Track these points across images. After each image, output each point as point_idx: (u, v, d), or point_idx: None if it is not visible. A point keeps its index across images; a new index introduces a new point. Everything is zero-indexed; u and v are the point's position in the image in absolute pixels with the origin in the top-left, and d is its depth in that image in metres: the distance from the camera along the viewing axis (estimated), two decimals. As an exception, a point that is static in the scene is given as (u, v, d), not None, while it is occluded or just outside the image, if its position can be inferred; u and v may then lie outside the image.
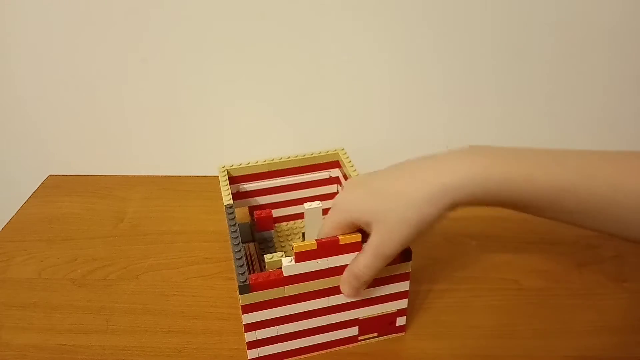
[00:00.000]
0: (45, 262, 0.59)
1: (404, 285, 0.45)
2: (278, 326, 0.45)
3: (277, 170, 0.57)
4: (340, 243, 0.41)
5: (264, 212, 0.56)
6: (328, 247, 0.41)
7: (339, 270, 0.42)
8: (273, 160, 0.56)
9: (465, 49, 0.64)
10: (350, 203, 0.41)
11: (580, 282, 0.54)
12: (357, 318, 0.46)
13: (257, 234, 0.56)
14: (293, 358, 0.47)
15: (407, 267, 0.44)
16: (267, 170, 0.57)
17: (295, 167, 0.57)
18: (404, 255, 0.43)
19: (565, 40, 0.63)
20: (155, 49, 0.66)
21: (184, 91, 0.69)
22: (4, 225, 0.66)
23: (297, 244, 0.40)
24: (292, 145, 0.59)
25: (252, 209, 0.58)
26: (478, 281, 0.55)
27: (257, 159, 0.56)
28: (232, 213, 0.49)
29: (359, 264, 0.41)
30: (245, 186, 0.57)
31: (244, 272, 0.42)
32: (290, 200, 0.59)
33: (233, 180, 0.56)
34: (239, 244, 0.45)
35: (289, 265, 0.41)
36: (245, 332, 0.44)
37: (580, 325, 0.49)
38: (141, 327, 0.51)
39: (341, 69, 0.66)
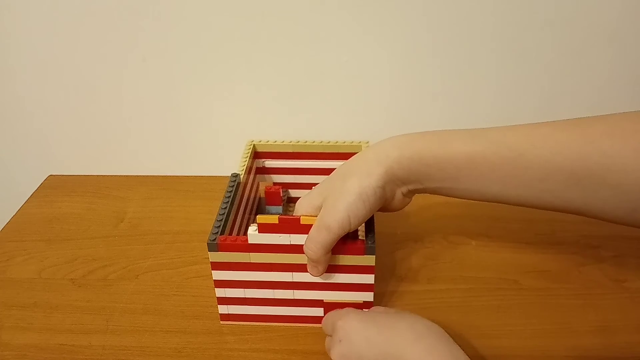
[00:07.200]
0: (45, 262, 0.59)
1: (368, 278, 0.46)
2: (245, 289, 0.48)
3: (301, 152, 0.60)
4: (301, 222, 0.43)
5: (273, 188, 0.59)
6: (289, 224, 0.43)
7: (302, 249, 0.44)
8: (298, 142, 0.60)
9: (467, 49, 0.64)
10: (317, 187, 0.46)
11: (580, 282, 0.54)
12: (322, 300, 0.48)
13: (266, 208, 0.60)
14: (259, 323, 0.50)
15: (370, 260, 0.45)
16: (291, 151, 0.60)
17: (318, 153, 0.59)
18: (368, 248, 0.45)
19: (566, 40, 0.63)
20: (155, 49, 0.66)
21: (184, 91, 0.69)
22: (4, 225, 0.65)
23: (261, 217, 0.44)
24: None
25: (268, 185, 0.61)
26: (478, 281, 0.55)
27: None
28: (233, 181, 0.53)
29: (306, 237, 0.43)
30: (268, 163, 0.61)
31: (217, 232, 0.46)
32: (308, 183, 0.61)
33: (258, 155, 0.61)
34: (225, 207, 0.49)
35: (253, 234, 0.44)
36: (215, 287, 0.48)
37: (580, 325, 0.49)
38: (141, 327, 0.51)
39: (340, 69, 0.66)
